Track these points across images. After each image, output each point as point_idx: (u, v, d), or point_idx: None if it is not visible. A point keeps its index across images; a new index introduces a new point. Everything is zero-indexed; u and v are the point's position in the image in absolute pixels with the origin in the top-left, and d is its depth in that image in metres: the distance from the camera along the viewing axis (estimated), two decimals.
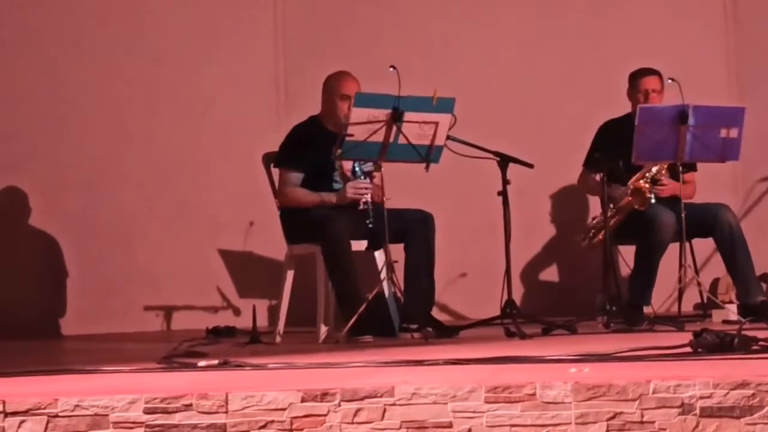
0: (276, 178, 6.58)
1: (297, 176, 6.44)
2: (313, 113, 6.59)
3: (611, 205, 6.62)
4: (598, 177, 6.66)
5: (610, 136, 6.82)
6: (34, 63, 7.63)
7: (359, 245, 6.33)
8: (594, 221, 6.88)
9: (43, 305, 7.53)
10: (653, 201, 6.57)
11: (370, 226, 6.18)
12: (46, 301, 7.55)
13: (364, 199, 6.25)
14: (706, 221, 6.64)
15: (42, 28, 7.64)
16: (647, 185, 6.62)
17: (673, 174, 6.72)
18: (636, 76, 6.88)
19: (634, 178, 6.65)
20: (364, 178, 6.30)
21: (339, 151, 6.04)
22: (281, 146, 6.55)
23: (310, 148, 6.42)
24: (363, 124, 5.94)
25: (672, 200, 6.66)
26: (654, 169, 6.66)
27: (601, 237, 6.64)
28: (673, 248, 6.66)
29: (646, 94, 6.78)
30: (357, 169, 6.32)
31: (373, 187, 6.33)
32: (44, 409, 3.85)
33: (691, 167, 6.83)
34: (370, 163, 6.28)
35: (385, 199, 6.14)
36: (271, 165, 6.62)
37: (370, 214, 6.21)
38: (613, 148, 6.57)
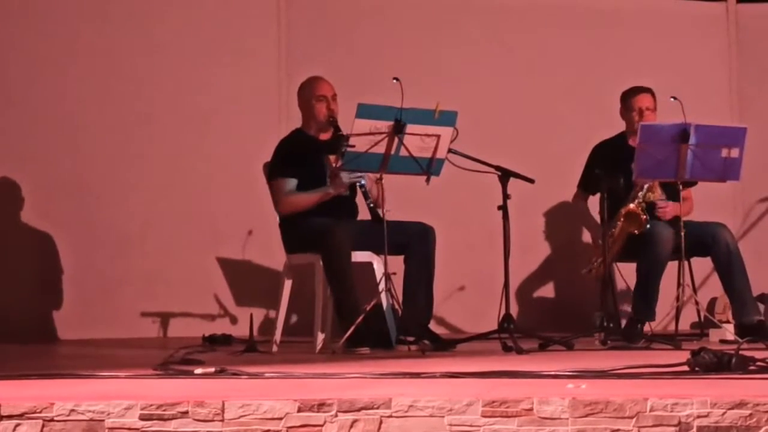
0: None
1: (292, 182, 6.46)
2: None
3: (610, 232, 6.60)
4: (596, 196, 6.67)
5: (604, 156, 6.83)
6: (36, 66, 7.63)
7: (359, 256, 6.33)
8: (598, 258, 6.81)
9: (39, 309, 7.53)
10: (648, 225, 6.55)
11: (371, 206, 6.17)
12: (42, 305, 7.54)
13: (360, 183, 6.27)
14: (704, 240, 6.63)
15: (44, 31, 7.65)
16: (639, 208, 6.60)
17: (669, 191, 6.72)
18: (628, 95, 6.89)
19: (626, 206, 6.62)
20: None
21: (339, 161, 6.07)
22: (271, 160, 6.56)
23: (300, 159, 6.44)
24: (365, 135, 5.95)
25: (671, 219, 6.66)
26: (645, 187, 6.64)
27: (601, 266, 6.62)
28: (672, 267, 6.65)
29: (640, 112, 6.78)
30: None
31: (371, 184, 6.36)
32: (40, 413, 3.84)
33: (690, 183, 6.84)
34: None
35: (385, 210, 6.14)
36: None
37: (368, 194, 6.22)
38: (609, 169, 6.57)
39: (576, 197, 7.07)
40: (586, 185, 6.94)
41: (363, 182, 6.29)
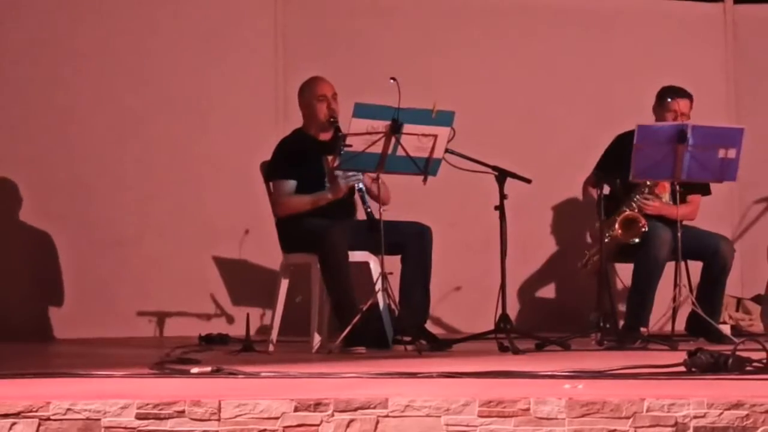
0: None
1: (291, 184, 6.45)
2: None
3: (607, 234, 6.58)
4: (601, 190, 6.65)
5: (622, 148, 6.75)
6: (33, 64, 7.61)
7: (356, 256, 6.33)
8: (593, 251, 6.79)
9: (36, 308, 7.51)
10: (645, 229, 6.52)
11: (368, 210, 6.16)
12: (39, 304, 7.53)
13: (358, 186, 6.25)
14: (705, 249, 6.59)
15: (41, 29, 7.63)
16: (639, 213, 6.55)
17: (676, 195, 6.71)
18: (668, 95, 6.73)
19: (622, 213, 6.59)
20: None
21: (336, 161, 6.06)
22: (271, 160, 6.56)
23: (300, 159, 6.44)
24: (362, 135, 5.94)
25: (670, 221, 6.64)
26: (646, 189, 6.61)
27: (597, 260, 6.61)
28: (669, 268, 6.65)
29: (675, 115, 6.66)
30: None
31: (371, 181, 6.33)
32: (36, 411, 3.83)
33: (702, 190, 6.82)
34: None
35: (382, 210, 6.14)
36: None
37: (365, 198, 6.21)
38: (623, 161, 6.52)
39: (587, 182, 6.86)
40: (605, 168, 6.73)
41: (360, 186, 6.28)
